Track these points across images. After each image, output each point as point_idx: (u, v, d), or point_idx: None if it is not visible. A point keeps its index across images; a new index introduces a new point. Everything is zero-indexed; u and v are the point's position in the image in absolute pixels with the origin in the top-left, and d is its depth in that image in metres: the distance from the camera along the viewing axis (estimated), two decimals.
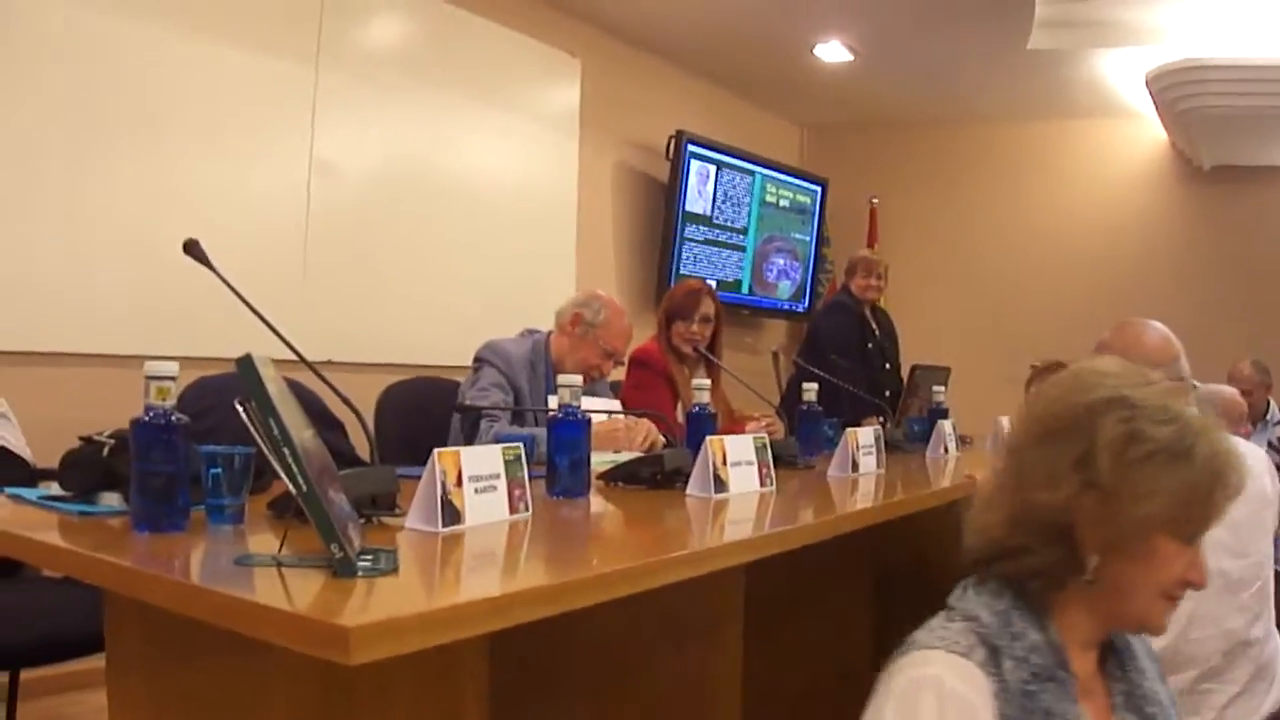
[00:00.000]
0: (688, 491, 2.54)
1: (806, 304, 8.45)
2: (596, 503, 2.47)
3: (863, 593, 3.55)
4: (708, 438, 2.59)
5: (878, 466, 3.34)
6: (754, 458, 2.71)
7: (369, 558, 1.52)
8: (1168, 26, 5.96)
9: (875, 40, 6.73)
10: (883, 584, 3.63)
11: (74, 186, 4.09)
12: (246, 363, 1.47)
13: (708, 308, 4.24)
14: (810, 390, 3.88)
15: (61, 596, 2.84)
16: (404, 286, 5.26)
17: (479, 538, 1.88)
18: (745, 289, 7.87)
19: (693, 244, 7.29)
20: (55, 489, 2.01)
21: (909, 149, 8.53)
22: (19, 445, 3.27)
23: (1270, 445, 5.55)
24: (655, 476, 2.67)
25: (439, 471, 1.88)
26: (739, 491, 2.58)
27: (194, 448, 1.76)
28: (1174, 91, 6.33)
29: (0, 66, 3.93)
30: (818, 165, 8.65)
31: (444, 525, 1.86)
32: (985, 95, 7.64)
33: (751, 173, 7.78)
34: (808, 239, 8.45)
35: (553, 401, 3.49)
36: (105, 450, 1.93)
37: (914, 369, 4.88)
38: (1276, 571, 2.58)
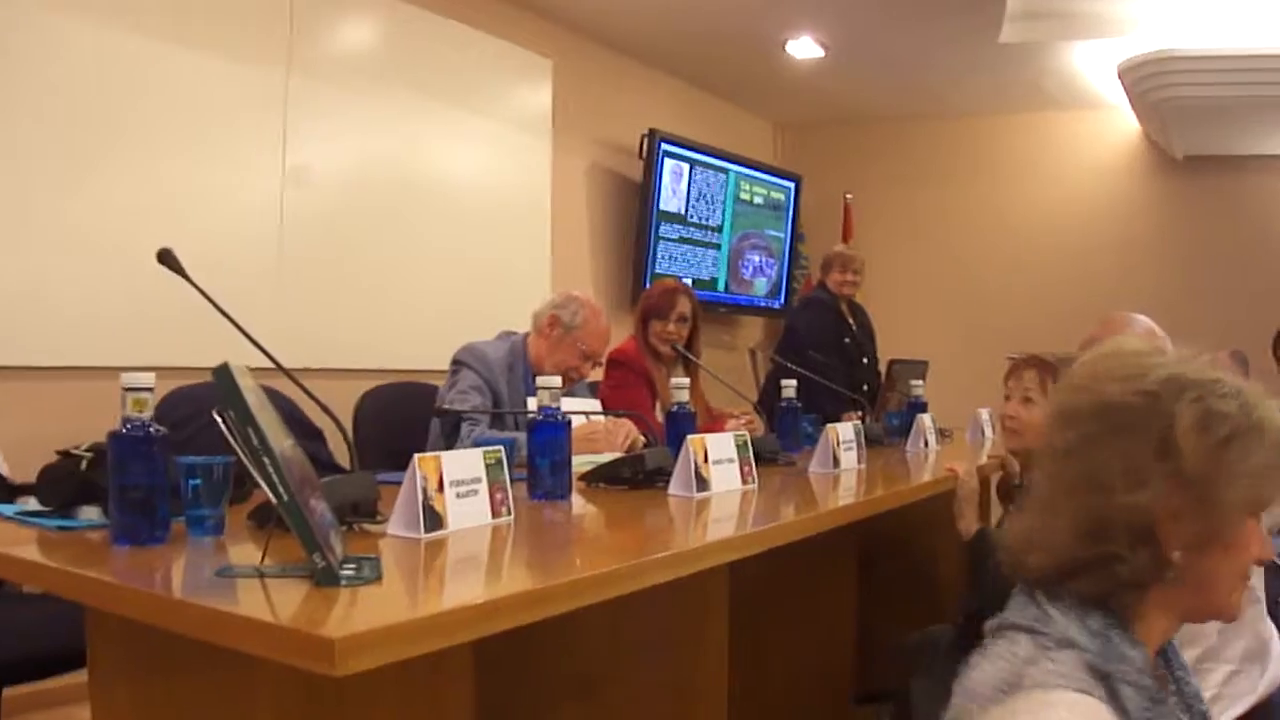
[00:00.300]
0: (670, 491, 2.54)
1: (782, 301, 8.46)
2: (578, 504, 2.47)
3: (846, 588, 3.56)
4: (689, 436, 2.59)
5: (859, 462, 3.35)
6: (735, 455, 2.71)
7: (352, 566, 1.51)
8: (1138, 17, 5.99)
9: (846, 36, 6.73)
10: (866, 578, 3.65)
11: (45, 196, 4.05)
12: (223, 372, 1.46)
13: (684, 307, 4.24)
14: (789, 387, 3.89)
15: (42, 612, 2.81)
16: (379, 291, 5.24)
17: (462, 543, 1.87)
18: (721, 287, 7.87)
19: (668, 243, 7.28)
20: (33, 504, 1.99)
21: (882, 144, 8.54)
22: None
23: None
24: (636, 476, 2.67)
25: (420, 477, 1.88)
26: (721, 490, 2.58)
27: (172, 459, 1.75)
28: (1146, 82, 6.35)
29: None
30: (791, 162, 8.67)
31: (426, 531, 1.85)
32: (957, 89, 7.66)
33: (725, 170, 7.78)
34: (782, 236, 8.46)
35: (532, 404, 3.50)
36: (83, 464, 1.92)
37: (892, 363, 4.89)
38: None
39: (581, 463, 2.73)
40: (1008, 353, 6.50)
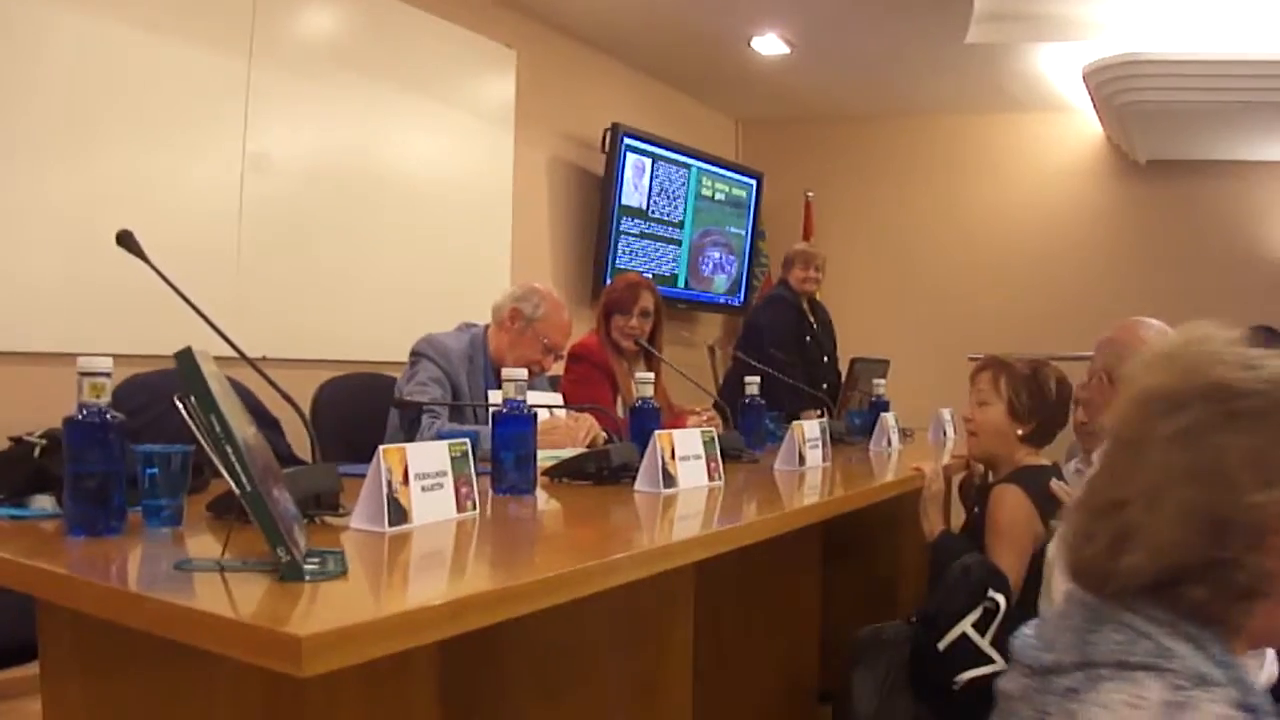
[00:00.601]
0: (636, 487, 2.51)
1: (742, 298, 8.44)
2: (544, 500, 2.43)
3: (811, 585, 3.54)
4: (656, 432, 2.56)
5: (824, 460, 3.33)
6: (702, 452, 2.68)
7: (316, 560, 1.47)
8: (1105, 21, 6.02)
9: (812, 33, 6.71)
10: (830, 575, 3.63)
11: (0, 180, 3.96)
12: (186, 356, 1.41)
13: (647, 302, 4.21)
14: (753, 384, 3.88)
15: None
16: (339, 281, 5.17)
17: (427, 537, 1.83)
18: (681, 283, 7.84)
19: (629, 237, 7.24)
20: None
21: (845, 142, 8.54)
22: None
23: None
24: (602, 472, 2.64)
25: (384, 469, 1.83)
26: (688, 486, 2.55)
27: (130, 447, 1.69)
28: (1111, 86, 6.38)
29: None
30: (753, 159, 8.65)
31: (390, 525, 1.81)
32: (922, 89, 7.67)
33: (687, 166, 7.75)
34: (743, 233, 8.44)
35: (494, 396, 3.46)
36: (37, 451, 1.85)
37: (854, 362, 4.88)
38: None
39: (543, 458, 2.69)
40: (968, 353, 6.56)
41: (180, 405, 1.41)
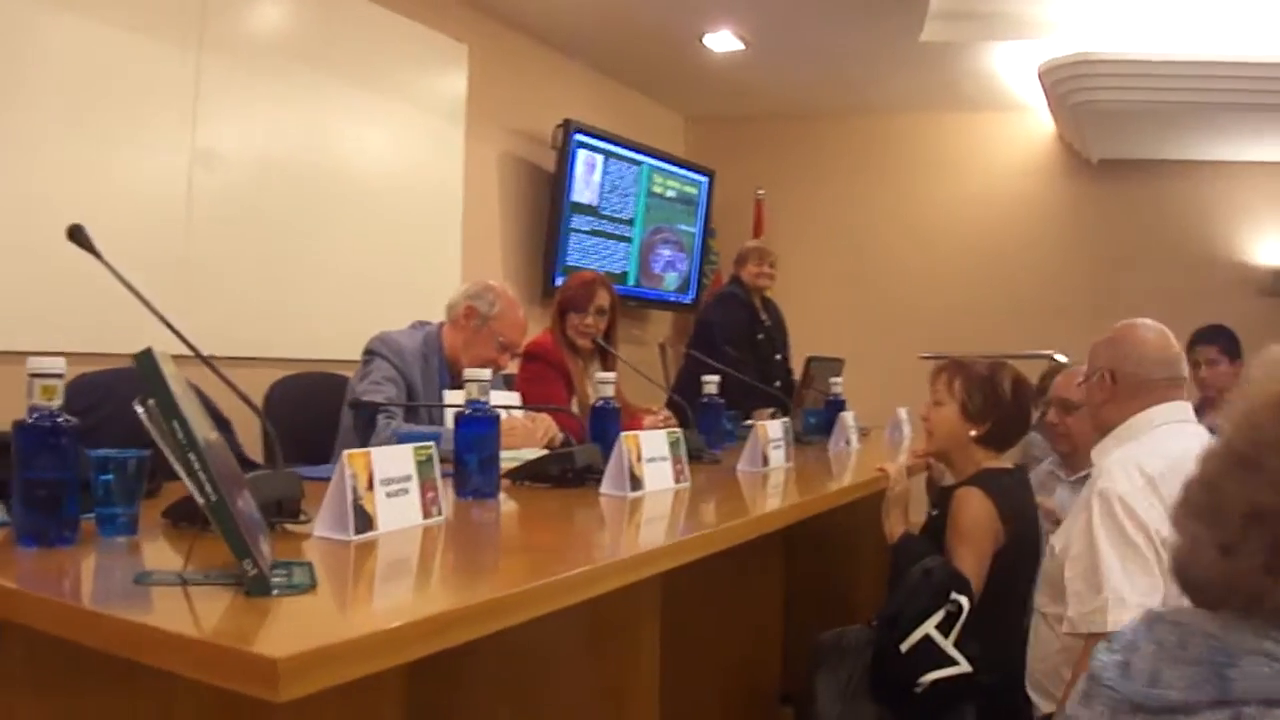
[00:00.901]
0: (602, 490, 2.46)
1: (692, 296, 8.40)
2: (508, 504, 2.38)
3: (773, 586, 3.51)
4: (623, 434, 2.51)
5: (786, 460, 3.30)
6: (668, 453, 2.64)
7: (282, 573, 1.40)
8: (1059, 20, 6.04)
9: (766, 30, 6.67)
10: (791, 575, 3.61)
11: None
12: (148, 358, 1.33)
13: (603, 300, 4.16)
14: (711, 383, 3.84)
15: None
16: (289, 278, 5.06)
17: (394, 546, 1.77)
18: (632, 281, 7.78)
19: (579, 235, 7.18)
20: None
21: (797, 140, 8.51)
22: None
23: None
24: (566, 474, 2.59)
25: (349, 475, 1.76)
26: (655, 489, 2.51)
27: (83, 451, 1.61)
28: (1066, 85, 6.41)
29: None
30: (705, 156, 8.59)
31: (356, 533, 1.74)
32: (877, 87, 7.65)
33: (638, 163, 7.69)
34: (694, 230, 8.40)
35: (449, 396, 3.40)
36: None
37: (809, 360, 4.86)
38: None
39: (502, 459, 2.63)
40: (921, 352, 6.58)
41: (140, 409, 1.34)
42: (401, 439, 2.50)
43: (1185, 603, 1.14)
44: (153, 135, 4.50)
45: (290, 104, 5.10)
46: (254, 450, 2.82)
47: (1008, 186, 8.08)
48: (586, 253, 7.21)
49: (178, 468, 1.31)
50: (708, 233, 8.50)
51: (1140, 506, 2.25)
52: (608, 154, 7.35)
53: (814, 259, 8.24)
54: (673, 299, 8.30)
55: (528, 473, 2.62)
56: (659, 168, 7.91)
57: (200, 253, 4.63)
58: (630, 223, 7.68)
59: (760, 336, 5.76)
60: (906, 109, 8.12)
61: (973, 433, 3.14)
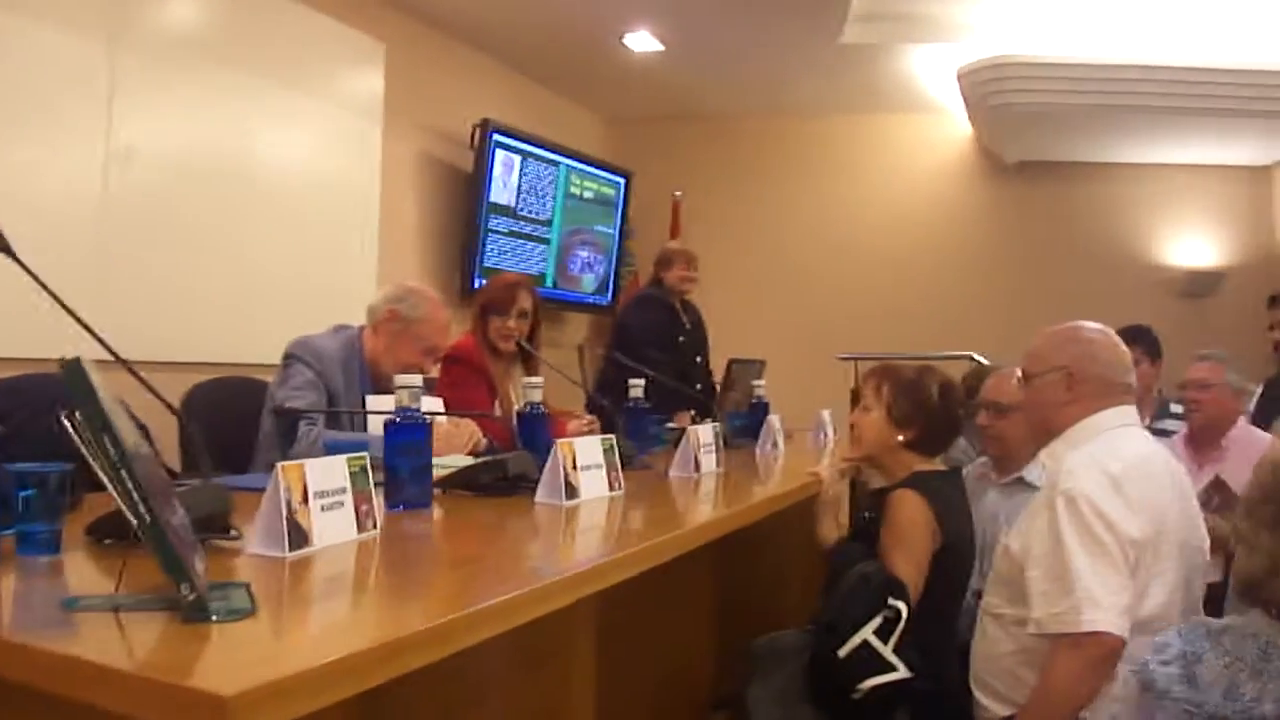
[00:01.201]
0: (538, 499, 2.40)
1: (609, 297, 8.36)
2: (441, 515, 2.30)
3: (703, 592, 3.47)
4: (558, 441, 2.45)
5: (718, 465, 3.26)
6: (603, 461, 2.59)
7: (219, 595, 1.32)
8: (978, 23, 6.10)
9: (686, 30, 6.66)
10: (721, 581, 3.57)
11: None
12: (76, 368, 1.24)
13: (525, 302, 4.09)
14: (637, 386, 3.80)
15: None
16: (205, 279, 4.91)
17: (330, 563, 1.69)
18: (550, 282, 7.71)
19: (497, 236, 7.09)
20: None
21: (715, 142, 8.51)
22: None
23: None
24: (498, 483, 2.52)
25: (283, 488, 1.68)
26: (590, 497, 2.46)
27: (1, 465, 1.51)
28: (984, 88, 6.48)
29: None
30: (622, 157, 8.55)
31: (291, 549, 1.66)
32: (796, 89, 7.67)
33: (556, 164, 7.63)
34: (611, 232, 8.35)
35: (372, 402, 3.30)
36: None
37: (731, 363, 4.83)
38: None
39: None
40: (838, 354, 6.60)
41: (67, 423, 1.25)
42: (329, 447, 2.41)
43: (1174, 609, 1.11)
44: (67, 132, 4.36)
45: (207, 100, 4.97)
46: (170, 457, 2.72)
47: (926, 188, 8.15)
48: (504, 254, 7.14)
49: (109, 486, 1.23)
50: (625, 234, 8.46)
51: (1107, 507, 2.25)
52: (525, 154, 7.28)
53: (732, 260, 8.22)
54: (590, 301, 8.25)
55: (459, 481, 2.55)
56: (577, 168, 7.86)
57: (116, 253, 4.50)
58: (548, 224, 7.62)
59: (681, 339, 5.72)
60: (825, 111, 8.15)
61: (900, 438, 3.12)
